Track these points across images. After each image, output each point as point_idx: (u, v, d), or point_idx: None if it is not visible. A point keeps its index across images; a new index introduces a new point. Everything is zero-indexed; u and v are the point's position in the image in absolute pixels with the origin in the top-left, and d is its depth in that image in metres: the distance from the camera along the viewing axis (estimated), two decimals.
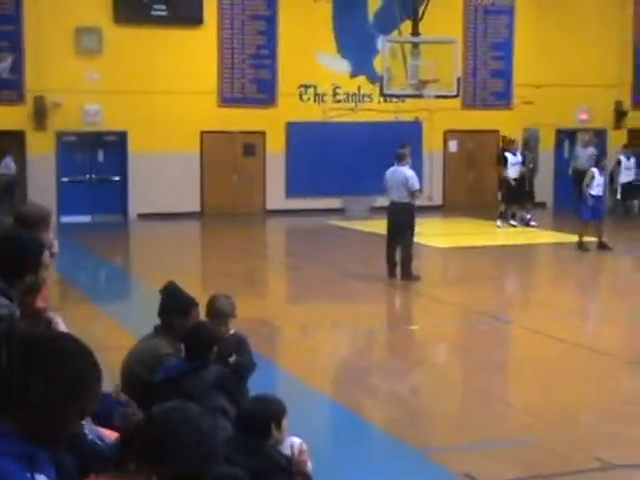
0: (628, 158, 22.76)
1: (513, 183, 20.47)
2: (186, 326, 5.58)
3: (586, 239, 16.86)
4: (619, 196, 22.72)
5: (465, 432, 7.25)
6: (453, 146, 24.53)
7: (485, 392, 8.39)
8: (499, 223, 20.51)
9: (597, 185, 16.93)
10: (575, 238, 17.07)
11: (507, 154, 20.77)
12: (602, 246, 16.81)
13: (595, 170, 17.08)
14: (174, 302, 5.75)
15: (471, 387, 8.82)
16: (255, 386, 5.90)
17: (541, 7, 24.66)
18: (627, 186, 22.61)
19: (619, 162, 22.82)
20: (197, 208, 22.61)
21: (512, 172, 20.53)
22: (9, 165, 20.77)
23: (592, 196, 16.77)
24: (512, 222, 20.56)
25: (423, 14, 21.64)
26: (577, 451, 6.70)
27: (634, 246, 18.46)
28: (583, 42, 24.86)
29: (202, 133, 22.44)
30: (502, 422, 7.46)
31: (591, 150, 22.21)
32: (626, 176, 22.57)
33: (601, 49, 25.17)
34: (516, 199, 20.67)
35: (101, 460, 3.15)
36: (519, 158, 20.78)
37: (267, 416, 4.46)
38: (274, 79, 22.91)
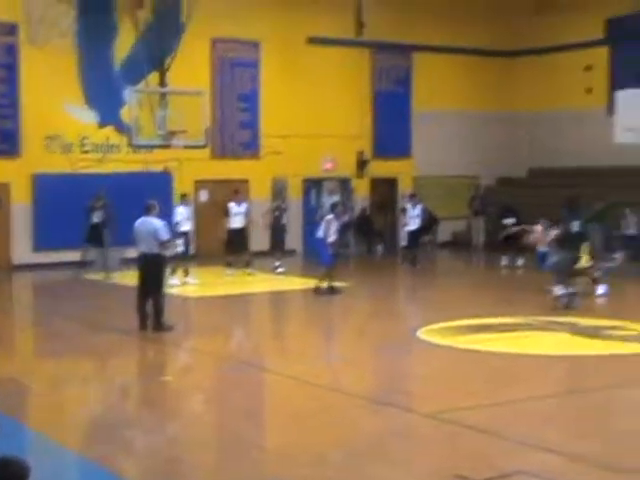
0: (414, 207, 22.76)
1: (226, 235, 20.70)
2: None
3: (334, 283, 17.60)
4: (406, 243, 22.82)
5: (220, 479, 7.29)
6: (204, 195, 24.71)
7: (240, 438, 8.48)
8: (228, 272, 20.72)
9: (334, 232, 17.78)
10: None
11: (230, 204, 20.91)
12: (334, 290, 17.58)
13: (331, 217, 17.93)
14: None
15: (226, 434, 8.88)
16: (1, 448, 5.66)
17: (285, 61, 25.53)
18: (414, 234, 22.58)
19: (404, 210, 23.05)
20: None
21: (234, 222, 20.70)
22: None
23: (330, 242, 17.61)
24: (229, 271, 20.72)
25: (170, 65, 21.82)
26: None
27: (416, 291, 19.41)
28: (326, 95, 25.96)
29: None
30: (256, 467, 7.56)
31: (335, 198, 22.95)
32: (412, 224, 22.56)
33: (343, 102, 26.38)
34: (232, 249, 20.78)
35: None
36: (242, 209, 20.89)
37: (7, 478, 4.30)
38: (17, 129, 22.22)
